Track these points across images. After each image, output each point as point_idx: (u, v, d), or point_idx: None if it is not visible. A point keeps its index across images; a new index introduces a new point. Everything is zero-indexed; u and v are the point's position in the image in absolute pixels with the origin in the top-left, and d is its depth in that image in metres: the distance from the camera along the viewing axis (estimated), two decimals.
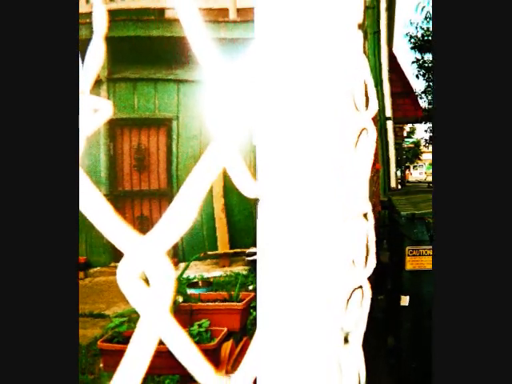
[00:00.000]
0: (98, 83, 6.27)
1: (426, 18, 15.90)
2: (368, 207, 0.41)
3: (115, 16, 6.28)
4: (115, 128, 6.63)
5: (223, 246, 6.32)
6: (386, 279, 3.69)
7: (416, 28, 16.93)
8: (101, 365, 2.44)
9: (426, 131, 18.75)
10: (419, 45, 16.89)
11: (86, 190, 0.25)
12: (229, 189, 6.23)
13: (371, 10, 6.65)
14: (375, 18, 6.80)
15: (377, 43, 6.85)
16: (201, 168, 0.29)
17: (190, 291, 2.95)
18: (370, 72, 0.41)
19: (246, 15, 6.50)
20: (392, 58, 8.34)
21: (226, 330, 2.36)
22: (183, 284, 3.15)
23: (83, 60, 0.33)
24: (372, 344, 2.95)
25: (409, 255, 2.68)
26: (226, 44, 5.13)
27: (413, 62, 17.70)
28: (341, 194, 0.36)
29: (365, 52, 0.39)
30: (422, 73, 17.40)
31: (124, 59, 6.45)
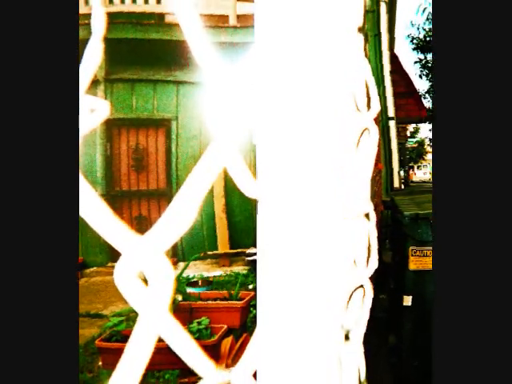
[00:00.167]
0: (95, 83, 6.28)
1: (427, 19, 15.89)
2: (370, 207, 0.41)
3: (114, 18, 6.30)
4: (112, 128, 6.62)
5: (223, 246, 6.33)
6: (388, 279, 3.68)
7: (418, 29, 16.96)
8: (99, 363, 2.45)
9: (430, 131, 18.69)
10: (421, 45, 16.89)
11: (82, 189, 0.25)
12: (230, 189, 6.23)
13: (371, 13, 6.68)
14: (375, 21, 6.82)
15: (378, 45, 6.87)
16: (201, 168, 0.29)
17: (189, 290, 2.96)
18: (371, 73, 0.41)
19: (245, 21, 6.54)
20: (394, 59, 8.34)
21: (225, 326, 2.37)
22: (182, 283, 3.16)
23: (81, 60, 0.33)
24: (373, 342, 2.95)
25: (412, 255, 2.67)
26: (226, 48, 5.14)
27: (415, 62, 17.72)
28: (341, 194, 0.36)
29: (366, 54, 0.39)
30: (425, 73, 17.39)
31: (122, 60, 6.46)
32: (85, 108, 0.31)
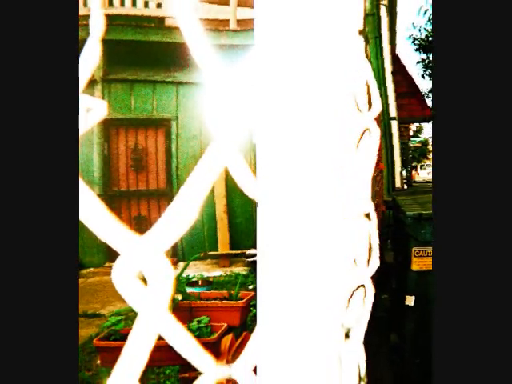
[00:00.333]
0: (92, 83, 6.28)
1: (429, 19, 15.91)
2: (370, 207, 0.41)
3: (113, 20, 6.32)
4: (110, 128, 6.61)
5: (224, 247, 6.33)
6: (390, 279, 3.68)
7: (419, 30, 16.99)
8: (98, 361, 2.45)
9: None
10: (423, 46, 16.90)
11: (79, 189, 0.25)
12: (231, 189, 6.23)
13: (371, 16, 6.70)
14: (376, 24, 6.85)
15: (379, 47, 6.90)
16: (201, 168, 0.29)
17: (189, 290, 2.97)
18: (372, 74, 0.41)
19: (246, 25, 6.57)
20: (396, 60, 8.36)
21: (225, 325, 2.38)
22: (182, 283, 3.16)
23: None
24: (374, 341, 2.96)
25: (415, 256, 2.67)
26: (226, 50, 5.15)
27: (418, 63, 17.72)
28: (341, 194, 0.36)
29: (367, 55, 0.39)
30: (428, 72, 17.39)
31: (121, 61, 6.47)
32: (82, 108, 0.31)
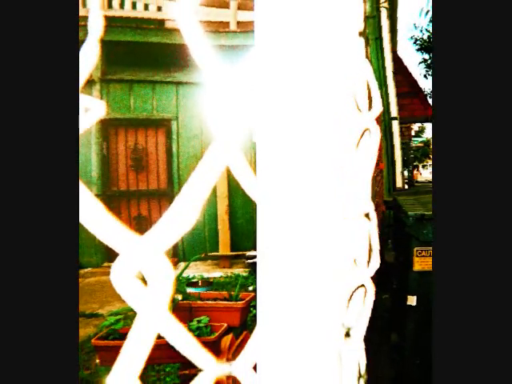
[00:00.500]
0: (90, 83, 6.29)
1: (430, 20, 15.91)
2: (370, 207, 0.41)
3: (113, 22, 6.33)
4: (108, 128, 6.61)
5: (224, 248, 6.32)
6: (390, 279, 3.68)
7: (421, 31, 17.02)
8: (97, 360, 2.45)
9: None
10: (425, 46, 16.91)
11: (78, 190, 0.25)
12: (233, 189, 6.22)
13: (371, 19, 6.72)
14: (376, 26, 6.87)
15: (379, 48, 6.92)
16: (203, 167, 0.29)
17: (189, 290, 2.97)
18: (372, 74, 0.41)
19: (246, 27, 6.58)
20: (397, 61, 8.37)
21: (225, 325, 2.38)
22: (182, 283, 3.17)
23: None
24: (375, 340, 2.96)
25: (417, 256, 2.66)
26: (226, 50, 5.15)
27: (420, 63, 17.75)
28: (341, 194, 0.36)
29: (367, 56, 0.39)
30: (430, 73, 17.38)
31: (120, 62, 6.47)
32: (79, 107, 0.31)
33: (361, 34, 0.38)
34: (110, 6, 6.75)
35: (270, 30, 0.34)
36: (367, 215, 0.41)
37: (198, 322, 2.38)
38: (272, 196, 0.35)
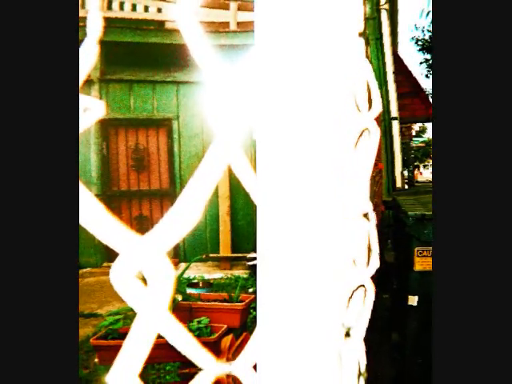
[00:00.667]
0: (89, 83, 6.29)
1: (432, 21, 15.89)
2: (369, 207, 0.41)
3: (113, 23, 6.33)
4: (108, 128, 6.60)
5: (225, 249, 6.32)
6: (391, 279, 3.68)
7: (422, 31, 17.03)
8: (96, 360, 2.46)
9: None
10: (427, 46, 16.92)
11: (78, 190, 0.25)
12: (235, 189, 6.22)
13: (372, 20, 6.73)
14: (376, 27, 6.88)
15: (380, 48, 6.93)
16: (204, 167, 0.29)
17: (189, 291, 2.97)
18: (372, 74, 0.41)
19: (245, 27, 6.58)
20: (398, 61, 8.37)
21: (225, 326, 2.38)
22: (183, 283, 3.17)
23: None
24: (376, 340, 2.96)
25: (418, 256, 2.66)
26: (226, 50, 5.15)
27: (421, 63, 17.77)
28: (341, 195, 0.36)
29: (367, 57, 0.39)
30: (431, 72, 17.37)
31: (120, 62, 6.47)
32: (79, 107, 0.31)
33: (361, 34, 0.38)
34: (109, 7, 6.75)
35: (270, 30, 0.34)
36: (366, 215, 0.41)
37: (198, 322, 2.38)
38: (272, 195, 0.35)
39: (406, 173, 11.07)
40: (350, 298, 0.40)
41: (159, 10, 6.91)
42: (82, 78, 0.28)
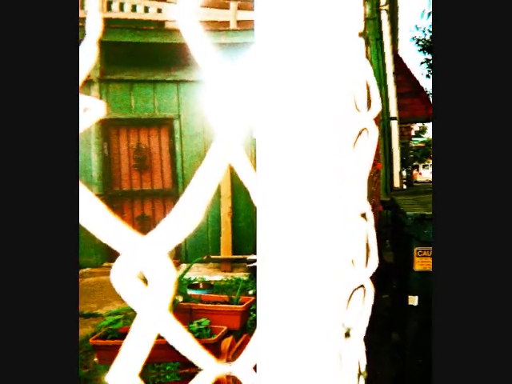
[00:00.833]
0: (89, 83, 6.29)
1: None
2: (367, 207, 0.41)
3: (112, 24, 6.33)
4: (109, 128, 6.60)
5: (226, 251, 6.31)
6: (390, 279, 3.68)
7: (423, 31, 17.06)
8: (95, 359, 2.46)
9: None
10: (427, 46, 16.94)
11: (78, 190, 0.25)
12: (236, 190, 6.21)
13: (372, 20, 6.74)
14: (377, 27, 6.89)
15: (380, 48, 6.94)
16: (206, 166, 0.29)
17: (190, 292, 2.98)
18: (372, 74, 0.41)
19: (245, 25, 6.58)
20: (398, 61, 8.38)
21: (225, 328, 2.38)
22: (184, 285, 3.17)
23: None
24: (376, 339, 2.96)
25: (418, 256, 2.66)
26: (227, 48, 5.15)
27: (422, 63, 17.80)
28: (341, 195, 0.36)
29: (367, 56, 0.39)
30: (432, 72, 17.39)
31: (120, 62, 6.46)
32: (79, 107, 0.31)
33: (361, 34, 0.38)
34: (109, 8, 6.76)
35: (270, 29, 0.34)
36: (364, 215, 0.41)
37: (199, 323, 2.38)
38: (272, 195, 0.35)
39: (404, 173, 11.07)
40: (350, 298, 0.39)
41: (159, 11, 6.92)
42: (82, 78, 0.28)
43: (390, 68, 7.09)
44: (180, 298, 2.66)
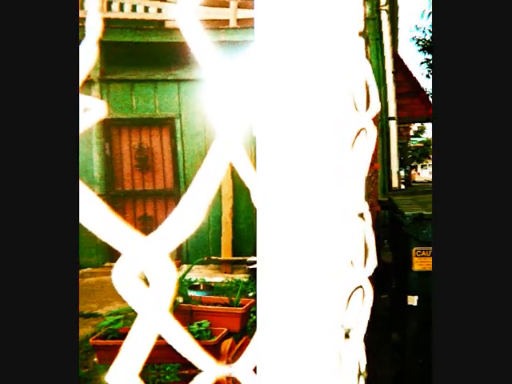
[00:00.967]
0: (89, 83, 6.28)
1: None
2: (364, 207, 0.41)
3: (112, 24, 6.33)
4: (111, 128, 6.59)
5: (226, 252, 6.31)
6: (389, 279, 3.68)
7: (423, 31, 17.07)
8: (95, 359, 2.46)
9: None
10: (428, 46, 16.94)
11: (79, 190, 0.25)
12: (238, 190, 6.21)
13: (372, 20, 6.74)
14: (376, 27, 6.89)
15: (379, 48, 6.94)
16: (208, 166, 0.29)
17: (190, 293, 2.98)
18: (371, 74, 0.41)
19: (245, 24, 6.58)
20: (398, 61, 8.38)
21: (225, 330, 2.38)
22: (184, 286, 3.17)
23: None
24: (376, 340, 2.96)
25: (416, 256, 2.67)
26: (226, 46, 5.15)
27: (422, 63, 17.81)
28: (341, 195, 0.36)
29: (367, 56, 0.39)
30: (432, 72, 17.40)
31: (120, 62, 6.45)
32: (80, 108, 0.31)
33: (361, 34, 0.38)
34: (109, 8, 6.76)
35: (270, 27, 0.34)
36: (361, 215, 0.41)
37: (199, 325, 2.38)
38: (272, 195, 0.35)
39: (402, 173, 11.07)
40: (349, 298, 0.39)
41: (159, 10, 6.91)
42: (82, 78, 0.28)
43: (389, 68, 7.10)
44: (180, 299, 2.66)
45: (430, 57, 17.24)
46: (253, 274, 5.56)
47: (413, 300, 2.70)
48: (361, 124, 0.41)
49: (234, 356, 2.25)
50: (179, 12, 0.28)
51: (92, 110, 0.31)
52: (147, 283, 0.27)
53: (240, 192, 6.18)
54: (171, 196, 6.63)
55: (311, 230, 0.35)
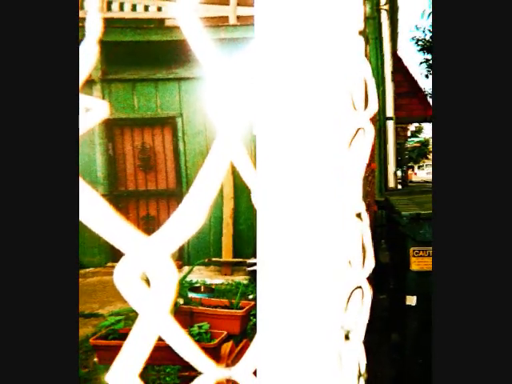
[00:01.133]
0: (90, 84, 6.27)
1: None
2: (362, 207, 0.41)
3: (113, 23, 6.32)
4: (113, 128, 6.59)
5: (227, 254, 6.30)
6: (387, 279, 3.68)
7: (423, 31, 17.09)
8: (95, 359, 2.45)
9: None
10: (427, 46, 16.97)
11: (81, 189, 0.25)
12: (239, 190, 6.20)
13: (371, 20, 6.74)
14: (376, 26, 6.89)
15: (379, 47, 6.93)
16: (209, 165, 0.29)
17: (191, 295, 2.98)
18: (371, 74, 0.41)
19: (245, 21, 6.58)
20: (397, 61, 8.39)
21: (225, 332, 2.38)
22: (185, 287, 3.17)
23: None
24: (375, 340, 2.96)
25: (414, 256, 2.67)
26: (226, 43, 5.14)
27: (421, 63, 17.83)
28: (341, 195, 0.36)
29: (366, 55, 0.39)
30: (431, 72, 17.41)
31: (121, 61, 6.44)
32: (82, 108, 0.31)
33: (361, 33, 0.38)
34: (109, 8, 6.75)
35: (270, 24, 0.34)
36: (359, 215, 0.41)
37: (199, 327, 2.38)
38: (272, 195, 0.35)
39: (399, 173, 11.09)
40: (349, 299, 0.39)
41: (159, 9, 6.90)
42: (83, 78, 0.27)
43: (388, 68, 7.10)
44: (181, 301, 2.65)
45: (429, 57, 17.26)
46: (252, 276, 5.56)
47: (411, 300, 2.71)
48: (359, 123, 0.41)
49: (233, 359, 2.25)
50: (179, 10, 0.28)
51: (94, 110, 0.31)
52: (149, 284, 0.27)
53: (241, 193, 6.18)
54: (173, 196, 6.62)
55: (311, 231, 0.35)
